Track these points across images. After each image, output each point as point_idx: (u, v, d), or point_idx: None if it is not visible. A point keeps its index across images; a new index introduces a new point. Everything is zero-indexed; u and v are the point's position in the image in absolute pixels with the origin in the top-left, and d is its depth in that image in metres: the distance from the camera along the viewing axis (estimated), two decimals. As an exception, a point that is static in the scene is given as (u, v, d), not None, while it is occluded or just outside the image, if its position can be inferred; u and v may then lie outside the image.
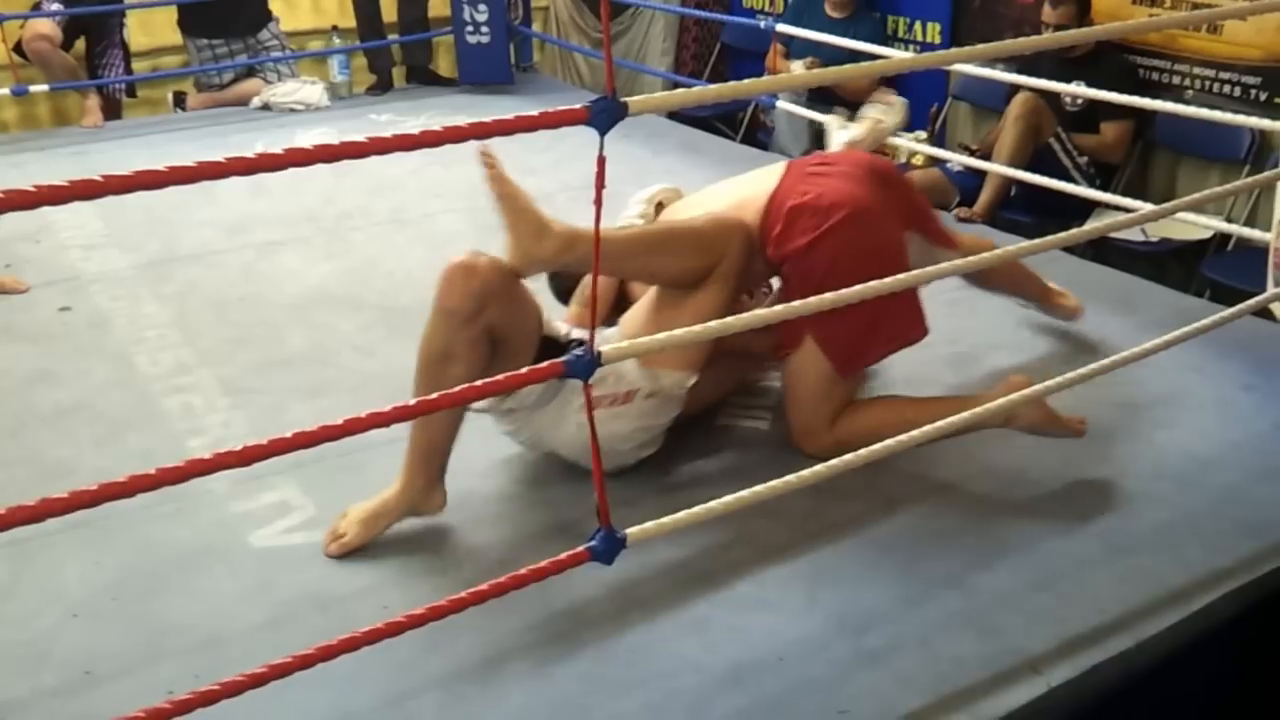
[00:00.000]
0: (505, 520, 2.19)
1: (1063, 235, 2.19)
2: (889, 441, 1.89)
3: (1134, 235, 3.99)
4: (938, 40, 5.12)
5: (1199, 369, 2.67)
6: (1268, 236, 2.69)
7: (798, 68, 4.86)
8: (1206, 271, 3.80)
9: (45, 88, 5.02)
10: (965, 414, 2.06)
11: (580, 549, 1.62)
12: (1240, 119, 3.44)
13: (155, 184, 1.19)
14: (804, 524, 2.12)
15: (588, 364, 1.54)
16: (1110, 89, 3.40)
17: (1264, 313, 2.64)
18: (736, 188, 2.40)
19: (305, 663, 1.44)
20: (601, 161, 1.45)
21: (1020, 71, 4.20)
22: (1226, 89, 4.12)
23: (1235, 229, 3.41)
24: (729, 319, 1.80)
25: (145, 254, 3.57)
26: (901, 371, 2.53)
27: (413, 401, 1.57)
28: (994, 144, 4.32)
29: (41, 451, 2.45)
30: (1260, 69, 4.02)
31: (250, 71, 5.48)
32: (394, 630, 1.51)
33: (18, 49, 5.00)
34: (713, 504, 1.73)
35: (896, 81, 5.09)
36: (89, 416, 2.58)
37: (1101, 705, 1.81)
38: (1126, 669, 1.81)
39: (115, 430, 2.52)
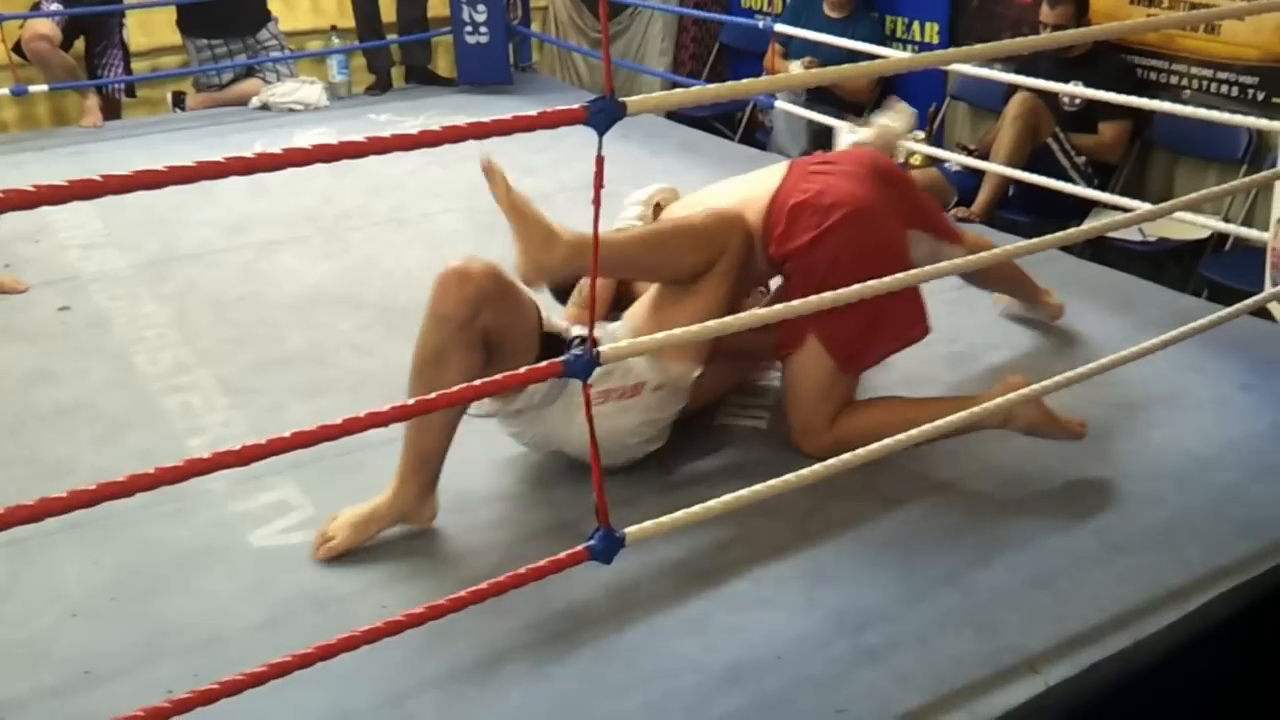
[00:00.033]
0: (504, 520, 2.20)
1: (1060, 235, 2.19)
2: (887, 441, 1.90)
3: (1132, 235, 3.99)
4: (936, 40, 5.12)
5: (1197, 368, 2.67)
6: (1265, 236, 2.69)
7: (796, 68, 4.86)
8: (1204, 271, 3.80)
9: (44, 88, 5.02)
10: (964, 414, 2.06)
11: (579, 548, 1.62)
12: (1238, 119, 3.45)
13: (154, 184, 1.19)
14: (802, 523, 2.12)
15: (586, 363, 1.54)
16: (1108, 89, 3.41)
17: (1262, 312, 2.64)
18: (738, 187, 2.41)
19: (304, 662, 1.44)
20: (600, 161, 1.46)
21: (1018, 71, 4.19)
22: (1224, 89, 4.13)
23: (1233, 229, 3.41)
24: (731, 318, 1.80)
25: (144, 254, 3.57)
26: (900, 371, 2.53)
27: (411, 401, 1.57)
28: (992, 144, 4.32)
29: (40, 451, 2.45)
30: (1257, 69, 4.02)
31: (249, 71, 5.48)
32: (393, 629, 1.51)
33: (17, 49, 5.00)
34: (711, 503, 1.73)
35: (894, 81, 5.09)
36: (88, 416, 2.59)
37: (1099, 704, 1.81)
38: (1124, 668, 1.82)
39: (114, 430, 2.52)
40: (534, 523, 2.18)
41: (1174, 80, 4.28)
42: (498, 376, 1.59)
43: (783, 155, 4.84)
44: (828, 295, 1.81)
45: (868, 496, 2.19)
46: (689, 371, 2.24)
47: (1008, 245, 2.27)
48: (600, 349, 1.56)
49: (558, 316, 2.34)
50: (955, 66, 4.36)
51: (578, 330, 2.24)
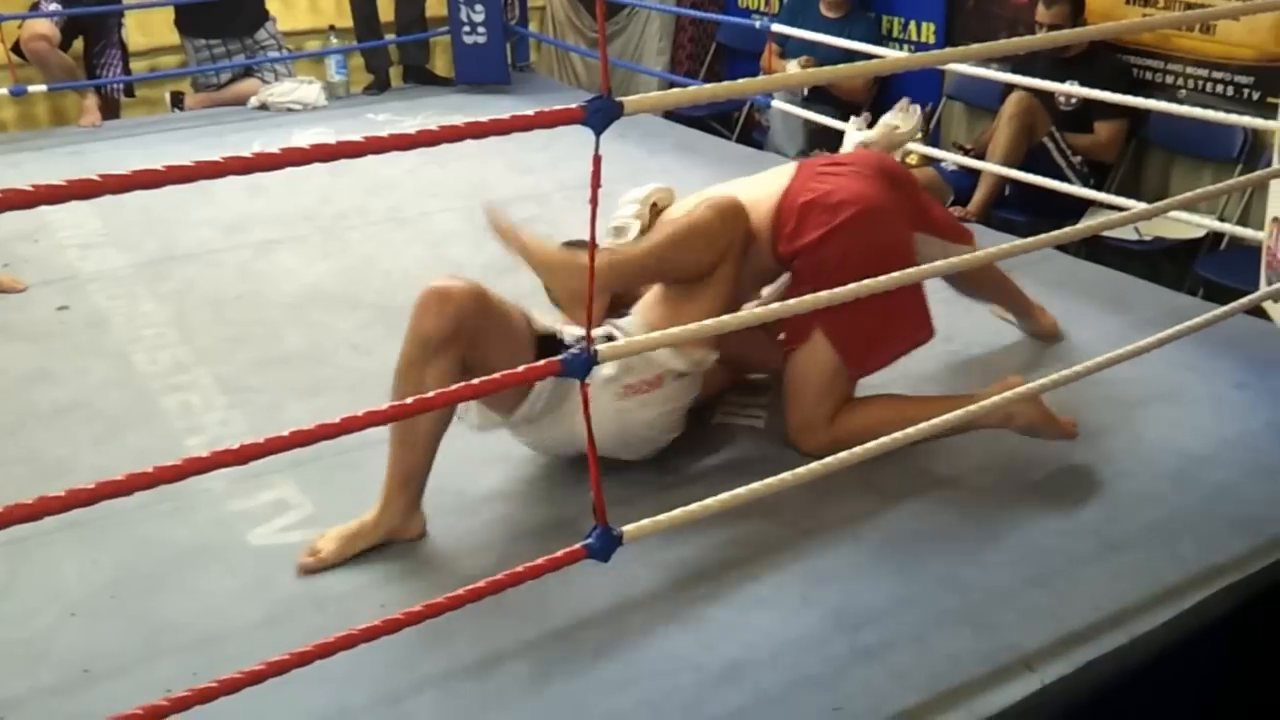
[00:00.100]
0: (502, 519, 2.20)
1: (1057, 234, 2.20)
2: (884, 439, 1.90)
3: (1127, 234, 3.99)
4: (932, 40, 5.13)
5: (1192, 367, 2.67)
6: (1260, 235, 2.70)
7: (793, 67, 4.87)
8: (1200, 270, 3.81)
9: (43, 88, 5.02)
10: (961, 412, 2.07)
11: (577, 547, 1.63)
12: (1233, 118, 3.47)
13: (153, 183, 1.20)
14: (800, 522, 2.13)
15: (585, 361, 1.55)
16: (1104, 88, 3.42)
17: (1257, 311, 2.65)
18: (746, 188, 2.41)
19: (303, 660, 1.44)
20: (597, 161, 1.46)
21: (1014, 71, 4.21)
22: (1219, 88, 4.13)
23: (1228, 228, 3.41)
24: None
25: (143, 253, 3.58)
26: (896, 369, 2.53)
27: (409, 401, 1.57)
28: (988, 143, 4.33)
29: (39, 450, 2.45)
30: (1253, 68, 4.03)
31: (247, 71, 5.48)
32: (391, 628, 1.51)
33: (16, 49, 5.00)
34: (709, 502, 1.73)
35: (891, 81, 5.10)
36: (87, 415, 2.59)
37: (1096, 701, 1.82)
38: (1121, 665, 1.82)
39: (113, 429, 2.53)
40: (532, 522, 2.18)
41: (1169, 80, 4.28)
42: (496, 375, 1.59)
43: (780, 155, 4.85)
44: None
45: (865, 495, 2.20)
46: (708, 355, 2.26)
47: (1003, 244, 2.28)
48: (598, 347, 1.56)
49: (557, 319, 2.34)
50: (951, 66, 4.37)
51: (577, 330, 2.25)
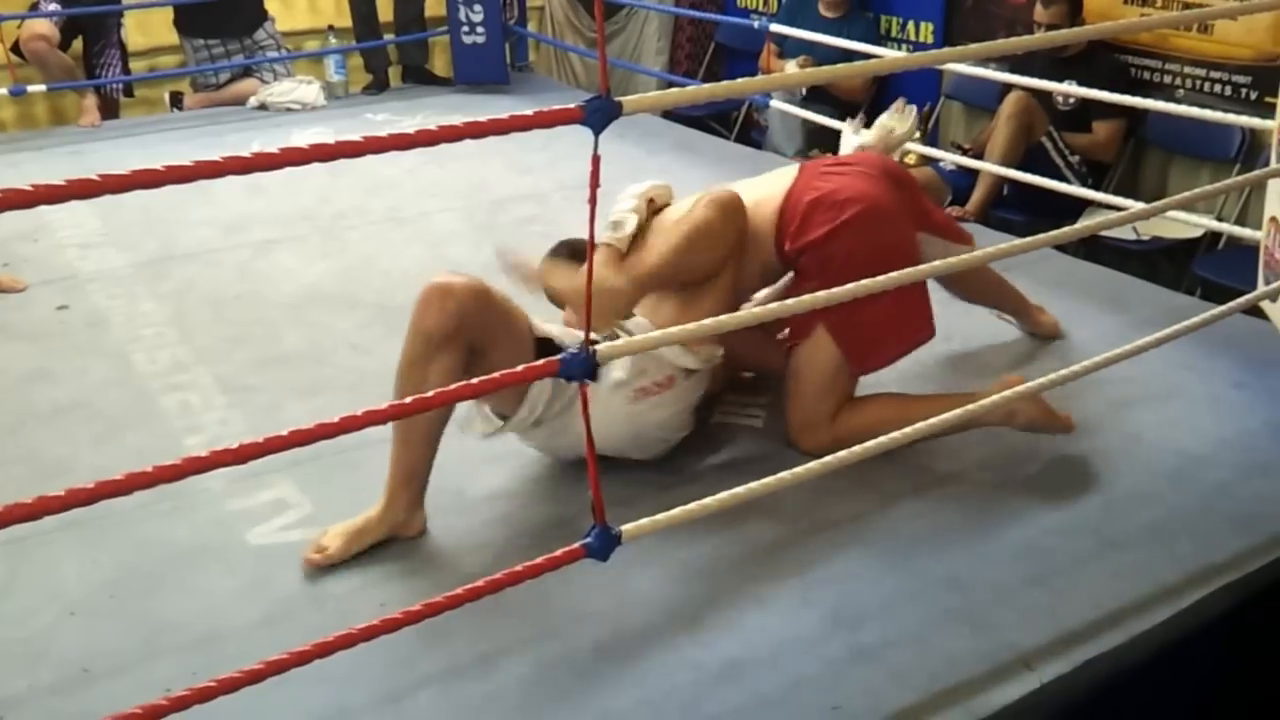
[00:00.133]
0: (501, 518, 2.20)
1: (1055, 233, 2.21)
2: (883, 439, 1.90)
3: (1125, 234, 4.00)
4: (930, 40, 5.13)
5: (1190, 367, 2.68)
6: (1258, 235, 2.70)
7: (791, 67, 4.87)
8: (1197, 270, 3.81)
9: (43, 88, 5.02)
10: (962, 410, 2.07)
11: (576, 546, 1.63)
12: (1231, 118, 3.47)
13: (152, 183, 1.20)
14: (798, 521, 2.13)
15: (583, 361, 1.55)
16: (1102, 88, 3.42)
17: (1254, 310, 2.65)
18: (749, 188, 2.42)
19: (302, 659, 1.44)
20: (596, 160, 1.46)
21: (1013, 71, 4.21)
22: (1217, 88, 4.14)
23: (1226, 227, 3.42)
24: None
25: (142, 253, 3.58)
26: (895, 368, 2.53)
27: (408, 400, 1.58)
28: (986, 143, 4.33)
29: (39, 450, 2.45)
30: (1250, 68, 4.03)
31: (246, 71, 5.48)
32: (390, 627, 1.51)
33: (15, 49, 5.00)
34: (707, 501, 1.74)
35: (889, 81, 5.10)
36: (86, 415, 2.59)
37: (1094, 700, 1.82)
38: (1119, 664, 1.83)
39: (113, 428, 2.53)
40: (531, 521, 2.18)
41: (1167, 80, 4.29)
42: (495, 375, 1.60)
43: (778, 154, 4.86)
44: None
45: (863, 494, 2.20)
46: (716, 350, 2.28)
47: (1001, 244, 2.28)
48: (597, 347, 1.57)
49: (555, 321, 2.35)
50: (950, 66, 4.37)
51: (579, 334, 2.25)
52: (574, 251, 2.54)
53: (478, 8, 5.50)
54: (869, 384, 2.41)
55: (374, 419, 1.43)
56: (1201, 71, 4.18)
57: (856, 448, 1.87)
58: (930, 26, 5.12)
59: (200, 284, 3.34)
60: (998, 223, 4.12)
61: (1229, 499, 2.20)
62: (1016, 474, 2.30)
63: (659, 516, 1.69)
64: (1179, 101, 3.93)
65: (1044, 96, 4.16)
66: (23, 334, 3.03)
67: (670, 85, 5.49)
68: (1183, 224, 3.68)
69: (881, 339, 2.33)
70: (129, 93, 5.60)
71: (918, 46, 5.16)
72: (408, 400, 1.55)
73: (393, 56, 5.93)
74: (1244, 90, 4.06)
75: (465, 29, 5.56)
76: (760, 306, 2.08)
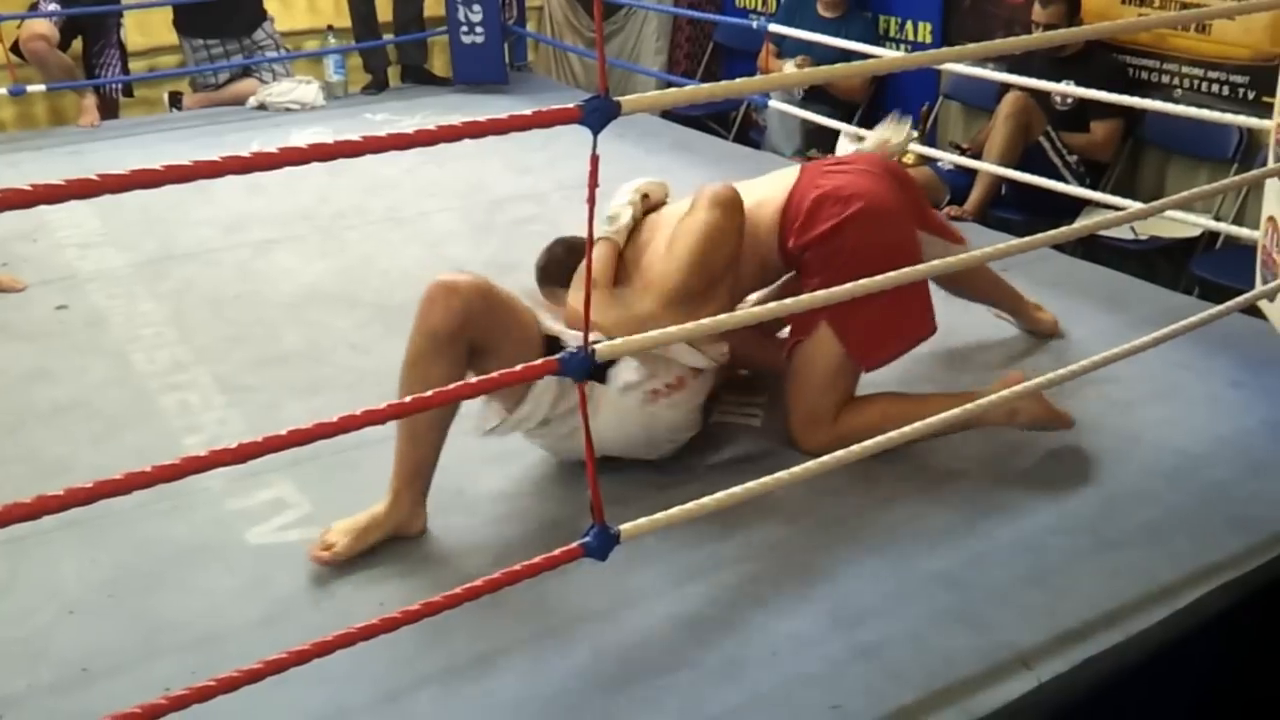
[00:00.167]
0: (500, 517, 2.20)
1: (1053, 233, 2.21)
2: (880, 438, 1.90)
3: (1123, 233, 4.00)
4: (929, 40, 5.13)
5: (1188, 366, 2.68)
6: (1255, 234, 2.70)
7: (790, 67, 4.88)
8: (1195, 269, 3.81)
9: (42, 88, 5.02)
10: (963, 409, 2.07)
11: (574, 545, 1.63)
12: (1228, 118, 3.47)
13: (151, 183, 1.20)
14: (797, 520, 2.13)
15: (582, 360, 1.55)
16: (1100, 88, 3.42)
17: (1252, 310, 2.65)
18: (749, 189, 2.42)
19: (301, 659, 1.44)
20: (595, 160, 1.47)
21: (1011, 71, 4.22)
22: (1215, 88, 4.14)
23: (1223, 227, 3.42)
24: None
25: (142, 252, 3.58)
26: (893, 367, 2.54)
27: (407, 400, 1.58)
28: (984, 143, 4.33)
29: (38, 449, 2.45)
30: (1248, 68, 4.03)
31: (246, 71, 5.49)
32: (389, 626, 1.51)
33: (15, 49, 5.00)
34: (705, 500, 1.74)
35: (888, 80, 5.10)
36: (86, 414, 2.59)
37: (1092, 699, 1.82)
38: (1117, 663, 1.83)
39: (112, 428, 2.53)
40: (529, 520, 2.19)
41: (1165, 79, 4.29)
42: (495, 374, 1.60)
43: (777, 154, 4.86)
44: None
45: (862, 493, 2.21)
46: (723, 348, 2.28)
47: (999, 244, 2.29)
48: (595, 346, 1.57)
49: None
50: (948, 66, 4.38)
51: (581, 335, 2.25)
52: (570, 249, 2.55)
53: (476, 8, 5.50)
54: (867, 384, 2.41)
55: (373, 419, 1.43)
56: (1199, 71, 4.18)
57: (855, 446, 1.87)
58: (928, 26, 5.12)
59: (199, 284, 3.34)
60: (996, 222, 4.13)
61: (1227, 498, 2.21)
62: (1014, 473, 2.30)
63: (657, 516, 1.70)
64: (1177, 101, 3.94)
65: (1042, 96, 4.16)
66: (22, 334, 3.03)
67: (669, 85, 5.48)
68: (1180, 223, 3.69)
69: (885, 334, 2.33)
70: (128, 93, 5.60)
71: (916, 46, 5.16)
72: (409, 399, 1.56)
73: (392, 56, 5.93)
74: (1241, 90, 4.07)
75: (464, 29, 5.56)
76: (759, 306, 2.08)
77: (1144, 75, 4.35)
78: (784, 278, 2.51)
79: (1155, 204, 2.53)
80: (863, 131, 2.86)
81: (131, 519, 2.11)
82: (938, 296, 2.47)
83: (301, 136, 4.88)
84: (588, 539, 1.63)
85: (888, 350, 2.37)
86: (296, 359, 2.85)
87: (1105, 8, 4.38)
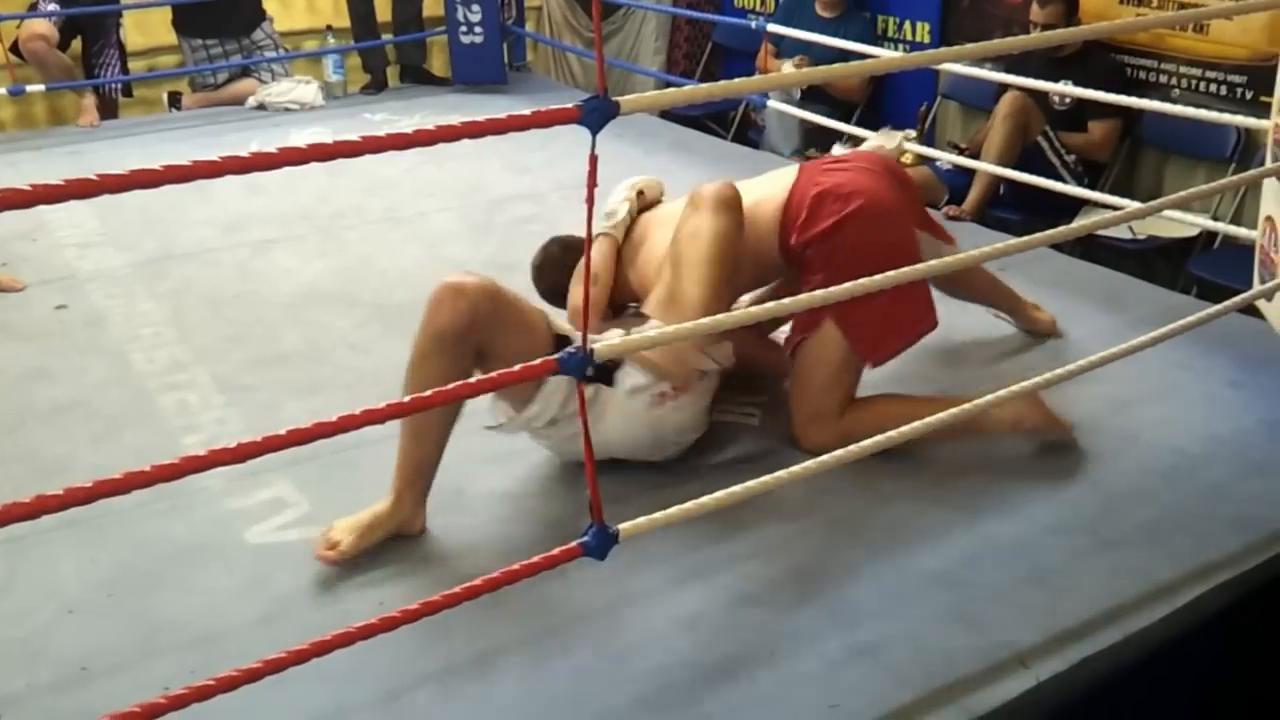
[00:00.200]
0: (499, 517, 2.21)
1: (1051, 233, 2.21)
2: (880, 437, 1.91)
3: (1121, 233, 4.00)
4: (927, 40, 5.13)
5: (1186, 366, 2.69)
6: (1253, 234, 2.70)
7: (788, 67, 4.88)
8: (1193, 269, 3.82)
9: (41, 87, 5.03)
10: (963, 409, 2.07)
11: (573, 544, 1.63)
12: (1226, 117, 3.47)
13: (151, 183, 1.20)
14: (796, 519, 2.14)
15: (581, 360, 1.55)
16: (1098, 88, 3.43)
17: (1250, 310, 2.66)
18: (749, 188, 2.43)
19: (300, 658, 1.45)
20: (593, 160, 1.47)
21: (1009, 71, 4.22)
22: (1213, 88, 4.14)
23: (1222, 227, 3.42)
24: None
25: (141, 252, 3.58)
26: (892, 366, 2.54)
27: (407, 399, 1.58)
28: (983, 142, 4.33)
29: (38, 449, 2.46)
30: (1246, 68, 4.04)
31: (245, 71, 5.49)
32: (389, 625, 1.52)
33: (14, 49, 5.00)
34: (704, 499, 1.74)
35: (886, 81, 5.10)
36: (85, 414, 2.59)
37: (1090, 699, 1.82)
38: (1115, 662, 1.83)
39: (111, 427, 2.53)
40: (529, 520, 2.19)
41: (1163, 79, 4.29)
42: (495, 374, 1.60)
43: (775, 154, 4.86)
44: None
45: (860, 493, 2.21)
46: (729, 349, 2.28)
47: (998, 243, 2.29)
48: (594, 346, 1.57)
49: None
50: (946, 66, 4.38)
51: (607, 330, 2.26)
52: (566, 248, 2.55)
53: (475, 8, 5.50)
54: (866, 381, 2.41)
55: (372, 418, 1.43)
56: (1197, 71, 4.18)
57: (854, 446, 1.87)
58: (926, 26, 5.12)
59: (198, 283, 3.34)
60: (994, 222, 4.13)
61: (1225, 497, 2.21)
62: (1013, 473, 2.31)
63: (656, 515, 1.70)
64: (1174, 101, 3.94)
65: (1040, 96, 4.16)
66: (21, 333, 3.04)
67: (668, 85, 5.49)
68: (1178, 223, 3.69)
69: (889, 329, 2.33)
70: (128, 93, 5.60)
71: (914, 46, 5.16)
72: (410, 399, 1.56)
73: (391, 56, 5.93)
74: (1239, 90, 4.07)
75: (463, 29, 5.57)
76: (759, 305, 2.08)
77: (1142, 75, 4.35)
78: (777, 281, 2.52)
79: (1153, 204, 2.54)
80: (860, 133, 2.86)
81: (131, 518, 2.12)
82: (936, 296, 2.48)
83: (300, 136, 4.88)
84: (587, 538, 1.63)
85: (893, 344, 2.38)
86: (295, 359, 2.85)
87: (1103, 8, 4.39)
